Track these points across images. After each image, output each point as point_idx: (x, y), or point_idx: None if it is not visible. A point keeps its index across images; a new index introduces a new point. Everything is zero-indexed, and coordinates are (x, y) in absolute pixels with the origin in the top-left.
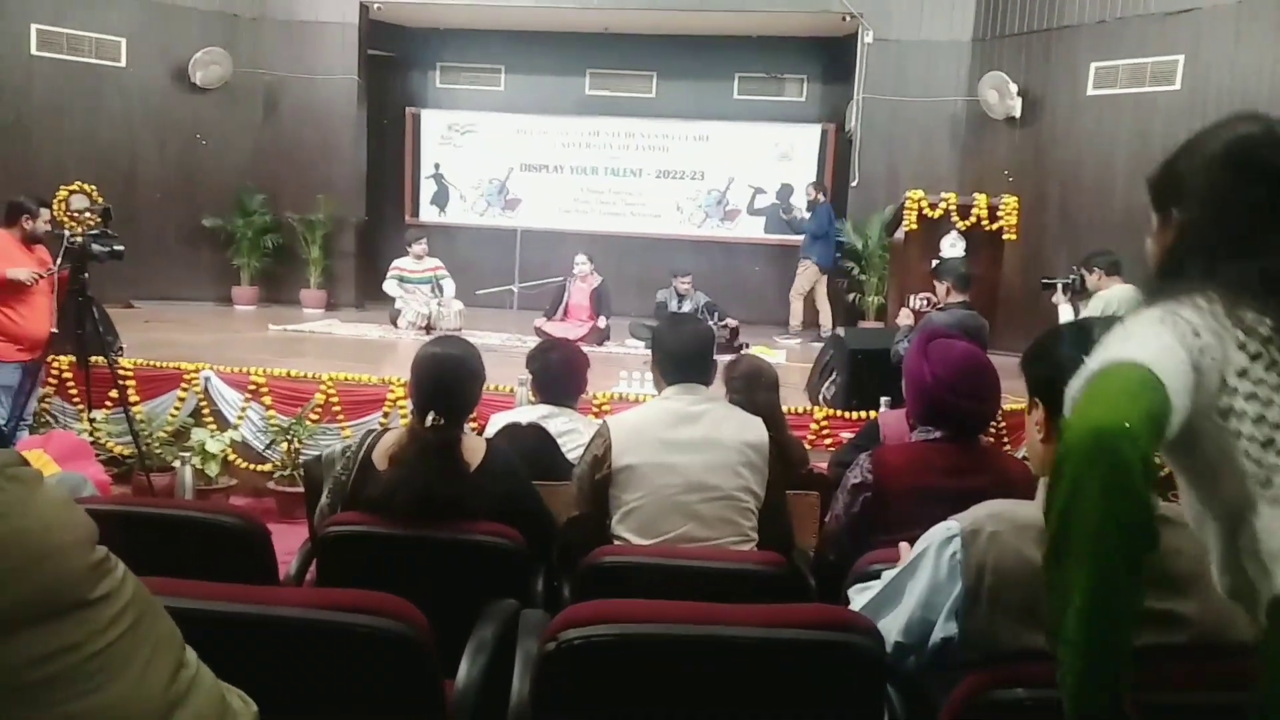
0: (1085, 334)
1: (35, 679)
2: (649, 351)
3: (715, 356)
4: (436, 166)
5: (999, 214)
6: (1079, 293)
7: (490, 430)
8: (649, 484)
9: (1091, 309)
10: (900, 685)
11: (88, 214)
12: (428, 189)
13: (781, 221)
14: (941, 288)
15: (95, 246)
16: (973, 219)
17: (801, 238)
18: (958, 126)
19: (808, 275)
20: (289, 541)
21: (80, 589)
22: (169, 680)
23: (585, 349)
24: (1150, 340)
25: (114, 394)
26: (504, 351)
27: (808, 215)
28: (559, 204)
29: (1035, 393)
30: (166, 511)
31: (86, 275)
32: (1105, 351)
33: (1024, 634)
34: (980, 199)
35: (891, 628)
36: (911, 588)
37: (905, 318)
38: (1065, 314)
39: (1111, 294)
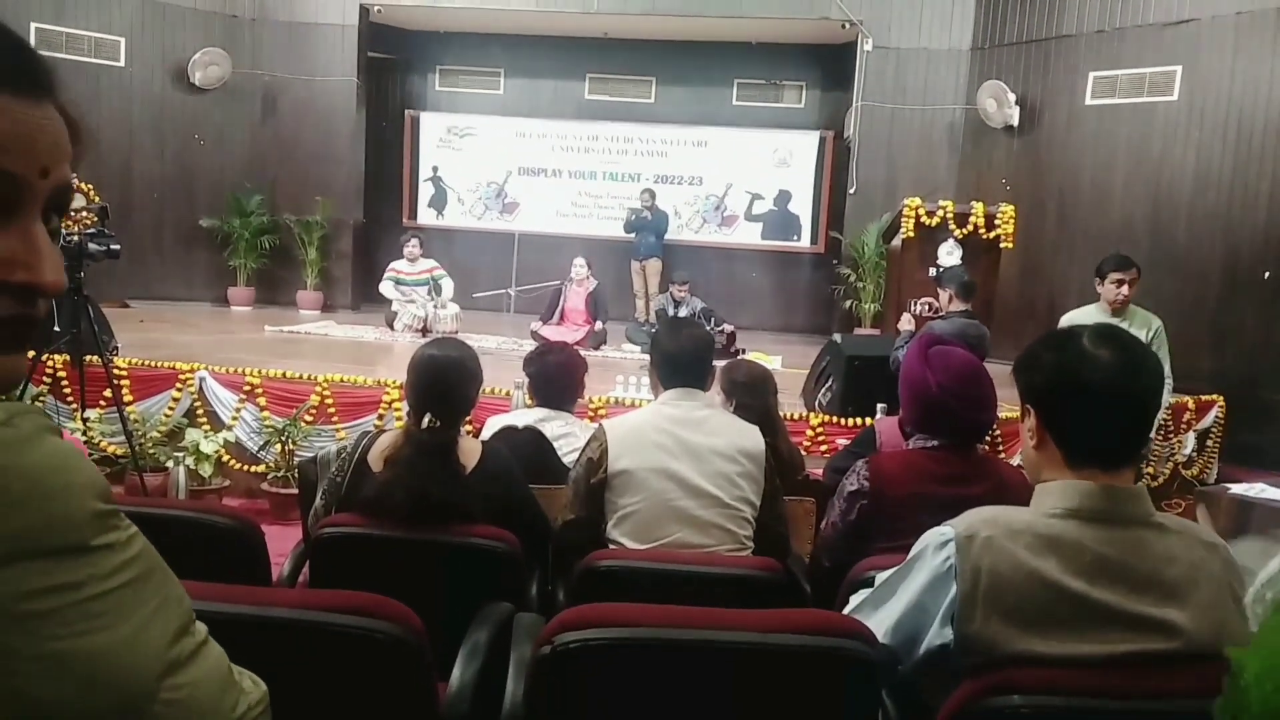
0: (1074, 341)
1: (31, 610)
2: (646, 356)
3: (713, 362)
4: (435, 169)
5: (996, 222)
6: None
7: (486, 433)
8: (645, 489)
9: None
10: (895, 691)
11: (84, 213)
12: (426, 192)
13: (777, 228)
14: (944, 295)
15: (91, 245)
16: (970, 227)
17: (638, 238)
18: (956, 135)
19: (656, 272)
20: (283, 543)
21: (81, 533)
22: (171, 640)
23: (582, 353)
24: None
25: (108, 393)
26: (500, 354)
27: (650, 218)
28: (557, 208)
29: (1027, 400)
30: (159, 511)
31: (82, 274)
32: None
33: (1020, 639)
34: (978, 207)
35: (878, 629)
36: (903, 590)
37: (907, 323)
38: None
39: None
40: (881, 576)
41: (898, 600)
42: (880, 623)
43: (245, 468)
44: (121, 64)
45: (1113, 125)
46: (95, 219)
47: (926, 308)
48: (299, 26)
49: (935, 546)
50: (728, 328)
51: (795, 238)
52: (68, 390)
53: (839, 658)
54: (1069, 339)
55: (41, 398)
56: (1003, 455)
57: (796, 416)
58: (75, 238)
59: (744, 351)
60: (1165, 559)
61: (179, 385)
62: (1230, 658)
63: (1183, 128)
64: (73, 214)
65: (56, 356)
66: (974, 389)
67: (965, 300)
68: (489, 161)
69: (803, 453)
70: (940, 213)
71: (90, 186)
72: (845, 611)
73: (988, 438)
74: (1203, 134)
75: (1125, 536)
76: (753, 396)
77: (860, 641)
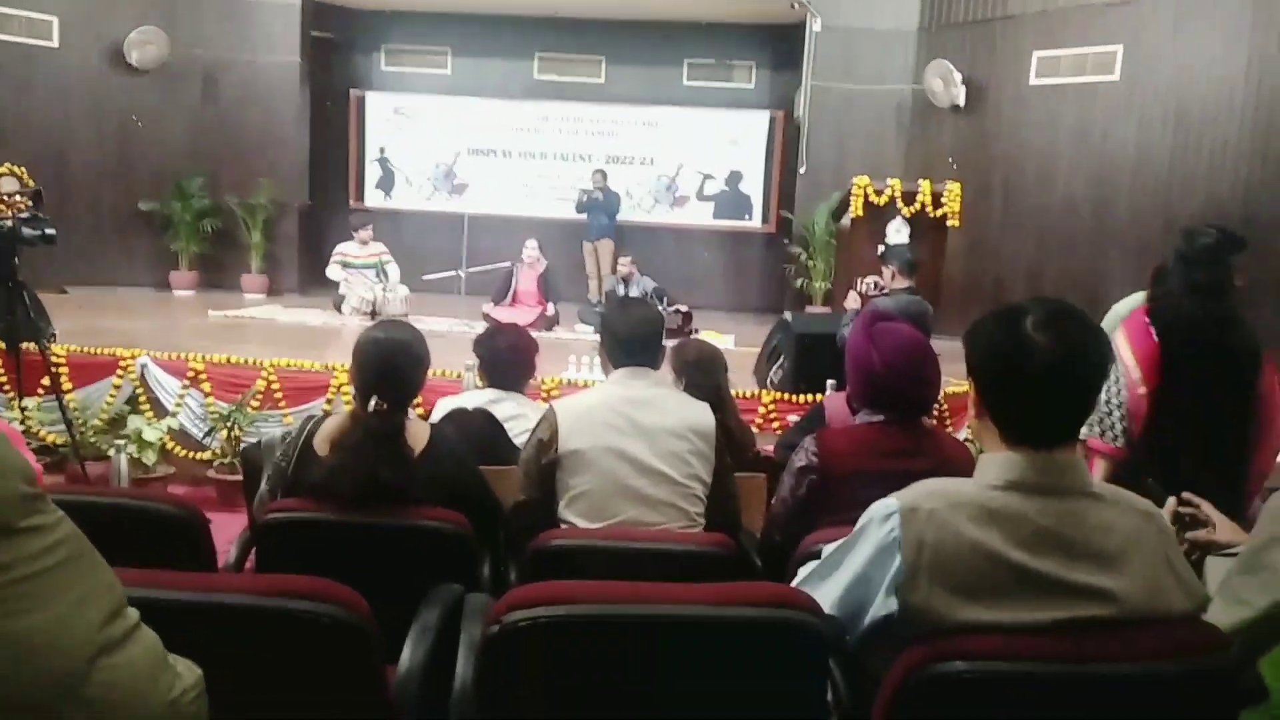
0: (1017, 320)
1: None
2: (598, 336)
3: (664, 341)
4: (382, 150)
5: (942, 200)
6: None
7: (437, 415)
8: (596, 469)
9: None
10: (842, 661)
11: (18, 197)
12: (373, 173)
13: (728, 208)
14: (888, 272)
15: (26, 230)
16: (917, 206)
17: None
18: (904, 114)
19: (609, 253)
20: (229, 530)
21: (8, 515)
22: (101, 624)
23: (534, 334)
24: None
25: (46, 381)
26: (451, 336)
27: (601, 198)
28: (507, 189)
29: (969, 370)
30: (100, 500)
31: (17, 260)
32: None
33: (962, 608)
34: (924, 186)
35: (825, 600)
36: (849, 562)
37: (853, 301)
38: None
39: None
40: (828, 549)
41: (844, 572)
42: (827, 594)
43: (190, 455)
44: (55, 44)
45: (1057, 104)
46: (29, 203)
47: (872, 285)
48: (239, 5)
49: (880, 519)
50: (682, 307)
51: (747, 217)
52: (3, 379)
53: (787, 629)
54: (1014, 317)
55: None
56: (950, 429)
57: (749, 394)
58: (9, 222)
59: (697, 331)
60: (1103, 528)
61: (120, 372)
62: (1264, 681)
63: (1123, 107)
64: (6, 198)
65: None
66: (917, 365)
67: (909, 277)
68: (437, 142)
69: (754, 430)
70: (888, 191)
71: (23, 170)
72: (793, 584)
73: (934, 412)
74: (1143, 113)
75: (1064, 507)
76: (703, 375)
77: (807, 613)
